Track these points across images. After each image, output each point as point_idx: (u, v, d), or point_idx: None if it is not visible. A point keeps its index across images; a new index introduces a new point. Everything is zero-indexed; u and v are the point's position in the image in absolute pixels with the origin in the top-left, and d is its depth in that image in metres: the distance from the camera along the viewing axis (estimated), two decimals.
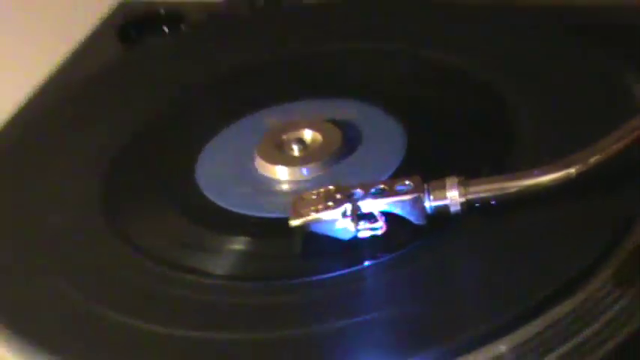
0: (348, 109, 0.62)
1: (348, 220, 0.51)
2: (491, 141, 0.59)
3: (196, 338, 0.50)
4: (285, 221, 0.54)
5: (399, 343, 0.47)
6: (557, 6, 0.71)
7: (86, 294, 0.53)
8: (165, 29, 0.79)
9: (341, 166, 0.58)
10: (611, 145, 0.51)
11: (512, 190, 0.51)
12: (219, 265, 0.55)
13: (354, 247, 0.52)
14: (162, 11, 0.80)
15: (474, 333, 0.46)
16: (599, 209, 0.52)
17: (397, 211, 0.51)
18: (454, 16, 0.71)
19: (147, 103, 0.67)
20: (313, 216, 0.51)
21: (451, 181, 0.51)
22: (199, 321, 0.51)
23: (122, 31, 0.79)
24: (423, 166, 0.55)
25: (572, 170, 0.51)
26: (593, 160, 0.51)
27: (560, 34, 0.67)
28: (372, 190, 0.51)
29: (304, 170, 0.58)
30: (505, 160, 0.56)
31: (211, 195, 0.58)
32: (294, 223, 0.51)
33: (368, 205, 0.51)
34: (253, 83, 0.68)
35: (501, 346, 0.46)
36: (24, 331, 0.51)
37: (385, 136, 0.60)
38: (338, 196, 0.51)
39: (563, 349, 0.47)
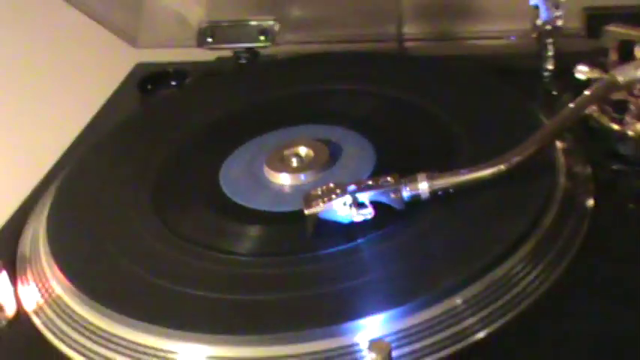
0: (330, 132, 0.63)
1: (347, 208, 0.53)
2: (437, 154, 0.60)
3: (229, 300, 0.50)
4: (289, 213, 0.56)
5: (392, 296, 0.48)
6: (480, 54, 0.75)
7: (146, 270, 0.54)
8: (173, 83, 0.79)
9: (329, 173, 0.59)
10: (528, 149, 0.54)
11: (464, 181, 0.53)
12: (241, 246, 0.55)
13: (352, 228, 0.53)
14: (170, 70, 0.80)
15: (444, 283, 0.48)
16: (522, 195, 0.54)
17: (382, 199, 0.53)
18: (408, 64, 0.74)
19: (169, 137, 0.67)
20: (321, 206, 0.53)
21: (421, 176, 0.53)
22: (231, 287, 0.51)
23: (140, 84, 0.79)
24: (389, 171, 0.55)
25: (502, 167, 0.54)
26: (515, 160, 0.54)
27: (484, 77, 0.69)
28: (363, 185, 0.53)
29: (302, 176, 0.59)
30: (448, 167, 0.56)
31: (232, 196, 0.59)
32: (308, 211, 0.53)
33: (361, 196, 0.53)
34: (251, 117, 0.68)
35: (457, 300, 0.48)
36: (101, 298, 0.51)
37: (359, 151, 0.61)
38: (338, 190, 0.53)
39: (500, 302, 0.49)
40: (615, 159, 0.60)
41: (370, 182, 0.53)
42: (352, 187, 0.53)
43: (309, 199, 0.53)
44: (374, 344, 0.43)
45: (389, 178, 0.53)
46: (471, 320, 0.48)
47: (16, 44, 0.88)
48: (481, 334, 0.47)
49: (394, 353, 0.44)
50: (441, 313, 0.48)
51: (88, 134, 0.73)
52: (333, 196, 0.52)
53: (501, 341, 0.47)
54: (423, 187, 0.53)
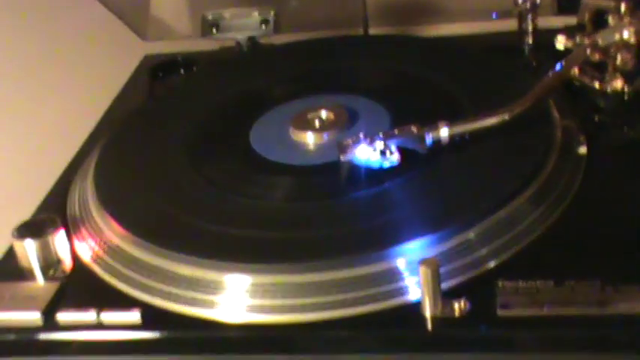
0: (347, 100, 0.66)
1: (378, 154, 0.56)
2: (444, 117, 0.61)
3: (279, 236, 0.53)
4: (313, 167, 0.59)
5: (423, 226, 0.51)
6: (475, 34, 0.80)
7: (183, 211, 0.56)
8: (182, 71, 0.82)
9: (348, 133, 0.61)
10: (526, 102, 0.59)
11: (477, 127, 0.57)
12: (274, 193, 0.59)
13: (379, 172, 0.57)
14: (179, 58, 0.82)
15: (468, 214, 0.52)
16: (525, 143, 0.58)
17: (408, 145, 0.56)
18: (409, 43, 0.77)
19: (201, 108, 0.69)
20: (355, 152, 0.56)
21: (442, 123, 0.57)
22: (264, 226, 0.54)
23: (151, 72, 0.81)
24: None
25: (506, 116, 0.58)
26: (517, 110, 0.58)
27: (479, 53, 0.73)
28: (391, 133, 0.57)
29: (325, 135, 0.62)
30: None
31: (265, 154, 0.62)
32: (343, 157, 0.56)
33: (390, 143, 0.56)
34: (272, 91, 0.71)
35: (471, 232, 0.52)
36: (154, 239, 0.54)
37: (374, 114, 0.64)
38: (368, 138, 0.56)
39: (507, 237, 0.52)
40: (598, 112, 0.65)
41: (396, 130, 0.57)
42: (380, 135, 0.56)
43: (343, 147, 0.56)
44: (424, 261, 0.46)
45: (413, 127, 0.57)
46: (488, 248, 0.51)
47: (34, 41, 0.89)
48: (497, 260, 0.51)
49: None
50: (465, 240, 0.51)
51: (108, 120, 0.75)
52: (364, 143, 0.56)
53: (516, 267, 0.50)
54: (444, 132, 0.56)
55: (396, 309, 0.49)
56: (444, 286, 0.49)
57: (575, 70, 0.66)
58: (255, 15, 0.82)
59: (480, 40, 0.79)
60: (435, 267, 0.46)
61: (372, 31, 0.85)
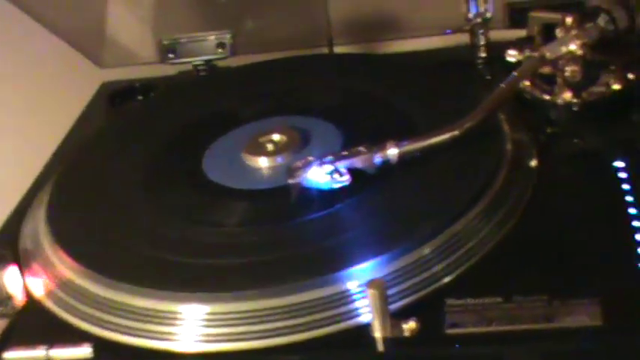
0: (299, 122, 0.66)
1: (327, 176, 0.56)
2: (396, 134, 0.61)
3: (227, 263, 0.53)
4: (270, 190, 0.59)
5: (374, 247, 0.52)
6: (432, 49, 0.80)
7: (136, 242, 0.56)
8: (140, 97, 0.82)
9: (301, 155, 0.61)
10: (476, 117, 0.59)
11: (427, 145, 0.58)
12: (227, 220, 0.58)
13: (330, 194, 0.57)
14: (137, 85, 0.83)
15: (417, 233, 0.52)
16: (476, 158, 0.58)
17: (358, 166, 0.57)
18: (361, 61, 0.78)
19: (152, 137, 0.69)
20: (304, 175, 0.56)
21: (390, 143, 0.57)
22: (227, 252, 0.54)
23: (110, 99, 0.82)
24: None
25: (456, 132, 0.58)
26: (467, 125, 0.58)
27: (432, 69, 0.74)
28: (339, 155, 0.57)
29: (278, 159, 0.62)
30: None
31: (218, 180, 0.62)
32: (292, 181, 0.56)
33: (338, 165, 0.56)
34: (224, 115, 0.71)
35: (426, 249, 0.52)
36: (107, 272, 0.54)
37: (327, 135, 0.64)
38: (317, 161, 0.56)
39: (460, 252, 0.52)
40: (549, 124, 0.66)
41: (345, 152, 0.57)
42: (330, 157, 0.56)
43: (291, 170, 0.56)
44: (371, 283, 0.47)
45: (361, 148, 0.57)
46: (439, 266, 0.52)
47: None
48: (448, 278, 0.51)
49: None
50: (414, 260, 0.51)
51: (65, 148, 0.75)
52: (313, 165, 0.56)
53: (465, 284, 0.51)
54: (392, 152, 0.57)
55: (348, 331, 0.49)
56: (396, 306, 0.49)
57: (526, 83, 0.67)
58: (212, 38, 0.83)
59: (436, 55, 0.80)
60: (381, 288, 0.46)
61: (337, 49, 0.85)
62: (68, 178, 0.65)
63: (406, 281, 0.50)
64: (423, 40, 0.84)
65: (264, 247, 0.54)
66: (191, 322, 0.51)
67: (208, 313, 0.51)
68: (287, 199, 0.57)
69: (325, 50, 0.85)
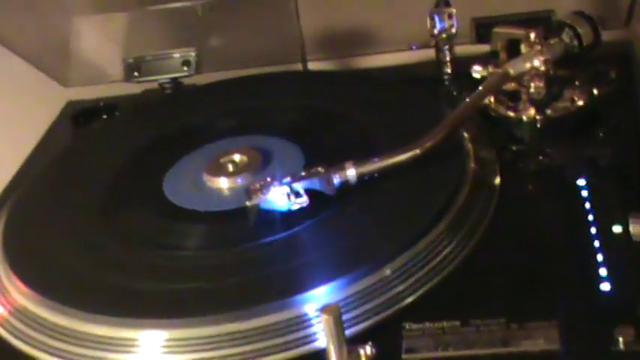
0: (260, 141, 0.66)
1: (285, 197, 0.56)
2: (359, 152, 0.61)
3: (182, 289, 0.53)
4: (230, 211, 0.59)
5: (331, 270, 0.51)
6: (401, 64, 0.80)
7: (92, 267, 0.56)
8: (104, 116, 0.81)
9: (263, 175, 0.60)
10: (437, 134, 0.59)
11: (386, 165, 0.57)
12: (190, 243, 0.58)
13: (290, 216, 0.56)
14: (101, 104, 0.82)
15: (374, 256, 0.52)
16: (437, 177, 0.58)
17: (315, 187, 0.56)
18: (323, 78, 0.78)
19: (111, 159, 0.69)
20: (261, 197, 0.56)
21: (349, 163, 0.57)
22: (183, 277, 0.54)
23: (74, 119, 0.81)
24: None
25: (417, 150, 0.58)
26: (427, 144, 0.58)
27: (395, 85, 0.74)
28: (297, 176, 0.56)
29: (239, 179, 0.62)
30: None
31: (177, 201, 0.61)
32: (250, 202, 0.56)
33: (296, 186, 0.56)
34: (185, 136, 0.70)
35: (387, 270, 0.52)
36: (62, 299, 0.53)
37: (288, 154, 0.64)
38: (275, 182, 0.56)
39: (421, 272, 0.52)
40: (514, 142, 0.65)
41: (303, 173, 0.57)
42: (288, 179, 0.56)
43: (249, 192, 0.56)
44: (325, 308, 0.46)
45: (320, 168, 0.57)
46: (398, 288, 0.51)
47: None
48: (407, 301, 0.51)
49: None
50: (374, 282, 0.51)
51: (26, 171, 0.74)
52: (271, 187, 0.55)
53: (424, 307, 0.50)
54: (351, 173, 0.56)
55: (305, 357, 0.49)
56: (353, 330, 0.49)
57: (491, 99, 0.67)
58: (177, 56, 0.82)
59: (404, 71, 0.80)
60: (337, 314, 0.46)
61: (310, 64, 0.85)
62: (25, 202, 0.64)
63: (364, 304, 0.50)
64: (395, 55, 0.84)
65: (221, 271, 0.54)
66: (148, 348, 0.50)
67: (166, 340, 0.50)
68: (245, 222, 0.56)
69: (299, 66, 0.85)
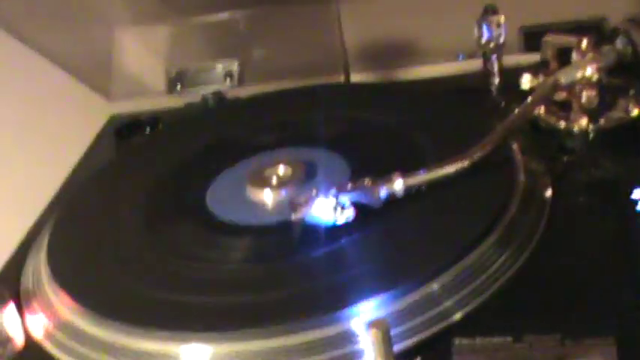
0: (305, 154, 0.66)
1: (331, 210, 0.55)
2: (405, 164, 0.60)
3: (228, 302, 0.53)
4: (270, 226, 0.59)
5: (378, 285, 0.50)
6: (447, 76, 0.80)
7: (137, 281, 0.56)
8: (147, 130, 0.82)
9: (307, 187, 0.60)
10: (486, 147, 0.58)
11: (433, 177, 0.57)
12: (229, 257, 0.58)
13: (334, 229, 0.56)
14: (143, 118, 0.82)
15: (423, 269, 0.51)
16: (486, 190, 0.57)
17: (362, 200, 0.56)
18: (370, 90, 0.78)
19: (155, 172, 0.69)
20: (307, 210, 0.55)
21: (396, 175, 0.56)
22: (229, 291, 0.54)
23: (117, 133, 0.82)
24: None
25: (465, 162, 0.57)
26: (476, 156, 0.57)
27: (442, 96, 0.73)
28: (344, 189, 0.56)
29: (283, 192, 0.61)
30: None
31: (221, 215, 0.61)
32: (295, 216, 0.55)
33: (342, 199, 0.55)
34: (229, 149, 0.70)
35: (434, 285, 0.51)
36: (107, 314, 0.53)
37: (333, 166, 0.64)
38: (320, 195, 0.55)
39: (471, 287, 0.51)
40: (565, 153, 0.64)
41: (349, 185, 0.56)
42: (333, 191, 0.55)
43: (294, 205, 0.56)
44: (373, 323, 0.45)
45: (366, 181, 0.56)
46: (447, 303, 0.50)
47: None
48: (457, 315, 0.50)
49: None
50: (422, 297, 0.50)
51: (70, 184, 0.75)
52: (317, 200, 0.55)
53: (474, 322, 0.49)
54: (398, 185, 0.56)
55: None
56: (401, 345, 0.48)
57: (541, 110, 0.66)
58: (219, 68, 0.83)
59: (450, 82, 0.80)
60: (385, 328, 0.45)
61: (353, 76, 0.85)
62: (69, 216, 0.64)
63: (412, 319, 0.49)
64: (438, 66, 0.83)
65: (266, 286, 0.53)
66: None
67: (211, 354, 0.50)
68: (290, 235, 0.56)
69: (341, 78, 0.85)
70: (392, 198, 0.56)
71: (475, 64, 0.78)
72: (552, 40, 0.68)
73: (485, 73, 0.75)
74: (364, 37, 0.85)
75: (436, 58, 0.84)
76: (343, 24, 0.84)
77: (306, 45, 0.86)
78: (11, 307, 0.55)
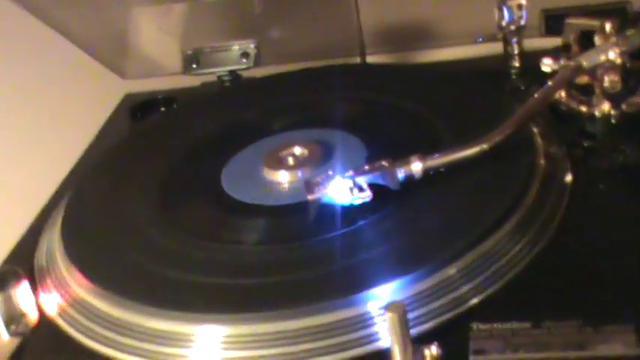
0: (321, 134, 0.65)
1: (347, 191, 0.55)
2: (423, 147, 0.59)
3: (244, 283, 0.52)
4: (286, 207, 0.58)
5: (395, 268, 0.50)
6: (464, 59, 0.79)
7: (151, 261, 0.56)
8: (162, 109, 0.81)
9: (323, 169, 0.60)
10: (506, 130, 0.57)
11: (453, 159, 0.56)
12: (250, 237, 0.58)
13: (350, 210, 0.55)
14: (159, 97, 0.82)
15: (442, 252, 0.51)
16: (506, 174, 0.57)
17: (379, 181, 0.55)
18: (388, 71, 0.77)
19: (169, 150, 0.69)
20: (323, 191, 0.55)
21: (414, 157, 0.55)
22: (245, 272, 0.53)
23: (132, 112, 0.81)
24: None
25: (485, 145, 0.56)
26: (496, 139, 0.57)
27: (459, 78, 0.72)
28: (361, 170, 0.55)
29: (299, 173, 0.61)
30: None
31: (237, 195, 0.61)
32: (311, 197, 0.55)
33: (359, 180, 0.55)
34: (244, 128, 0.70)
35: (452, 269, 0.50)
36: (120, 292, 0.53)
37: (350, 148, 0.63)
38: (337, 176, 0.55)
39: (489, 272, 0.51)
40: (585, 138, 0.63)
41: (367, 167, 0.55)
42: (351, 172, 0.55)
43: (310, 186, 0.55)
44: (390, 306, 0.45)
45: (384, 162, 0.55)
46: (465, 288, 0.50)
47: (12, 85, 0.90)
48: (475, 300, 0.50)
49: None
50: (439, 281, 0.50)
51: (85, 161, 0.75)
52: (333, 181, 0.55)
53: (492, 307, 0.49)
54: (417, 167, 0.55)
55: (366, 356, 0.48)
56: (418, 330, 0.48)
57: (562, 94, 0.65)
58: (236, 48, 0.82)
59: (468, 64, 0.79)
60: (401, 312, 0.44)
61: (369, 58, 0.84)
62: (83, 195, 0.64)
63: (429, 304, 0.49)
64: (456, 49, 0.82)
65: (281, 267, 0.53)
66: (207, 344, 0.49)
67: (225, 336, 0.49)
68: (306, 216, 0.56)
69: (357, 60, 0.84)
70: (409, 180, 0.56)
71: (494, 47, 0.77)
72: (575, 22, 0.67)
73: (505, 56, 0.74)
74: (382, 18, 0.84)
75: (455, 41, 0.83)
76: (360, 5, 0.83)
77: (322, 26, 0.85)
78: (25, 284, 0.55)
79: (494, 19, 0.75)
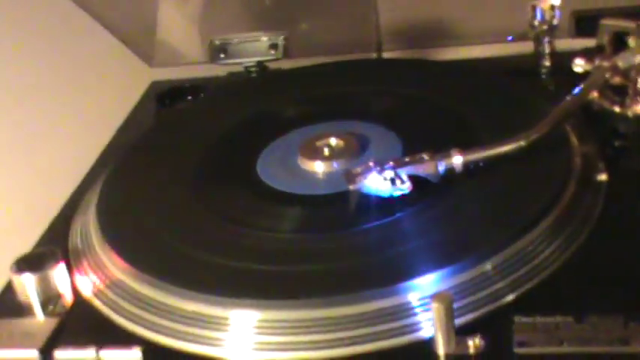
0: (357, 127, 0.65)
1: (388, 182, 0.54)
2: (457, 143, 0.59)
3: (283, 270, 0.52)
4: (323, 196, 0.58)
5: (437, 258, 0.50)
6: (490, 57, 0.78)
7: (187, 244, 0.56)
8: (189, 97, 0.80)
9: (359, 161, 0.60)
10: (543, 128, 0.57)
11: (492, 154, 0.56)
12: (281, 225, 0.57)
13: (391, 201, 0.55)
14: (187, 85, 0.82)
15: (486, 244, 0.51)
16: (543, 172, 0.57)
17: (420, 173, 0.55)
18: (425, 67, 0.76)
19: (204, 137, 0.68)
20: (364, 181, 0.54)
21: (454, 151, 0.56)
22: (271, 260, 0.53)
23: (159, 99, 0.81)
24: None
25: (522, 142, 0.57)
26: (533, 137, 0.57)
27: (493, 76, 0.72)
28: (401, 161, 0.55)
29: (334, 164, 0.61)
30: None
31: (274, 184, 0.61)
32: (352, 187, 0.55)
33: (400, 172, 0.55)
34: (280, 117, 0.70)
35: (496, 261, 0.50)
36: (157, 274, 0.53)
37: (386, 141, 0.63)
38: (378, 167, 0.55)
39: (531, 265, 0.51)
40: (618, 138, 0.63)
41: (407, 158, 0.55)
42: (391, 164, 0.55)
43: (351, 176, 0.55)
44: (437, 296, 0.45)
45: (424, 155, 0.55)
46: (508, 280, 0.50)
47: (40, 70, 0.89)
48: (515, 294, 0.50)
49: None
50: (482, 273, 0.50)
51: (112, 149, 0.74)
52: (374, 171, 0.54)
53: (533, 301, 0.49)
54: (457, 160, 0.55)
55: (408, 346, 0.47)
56: (459, 321, 0.47)
57: (595, 94, 0.65)
58: (264, 40, 0.82)
59: (496, 63, 0.78)
60: (448, 302, 0.45)
61: (386, 55, 0.84)
62: (118, 177, 0.64)
63: (472, 295, 0.49)
64: (476, 48, 0.82)
65: (322, 256, 0.53)
66: (242, 328, 0.49)
67: (259, 320, 0.49)
68: (344, 206, 0.56)
69: (374, 56, 0.84)
70: (449, 173, 0.55)
71: (524, 47, 0.77)
72: (610, 23, 0.67)
73: (537, 56, 0.74)
74: (402, 15, 0.84)
75: (480, 40, 0.83)
76: (381, 1, 0.83)
77: (342, 21, 0.85)
78: (62, 265, 0.55)
79: (516, 19, 0.75)
